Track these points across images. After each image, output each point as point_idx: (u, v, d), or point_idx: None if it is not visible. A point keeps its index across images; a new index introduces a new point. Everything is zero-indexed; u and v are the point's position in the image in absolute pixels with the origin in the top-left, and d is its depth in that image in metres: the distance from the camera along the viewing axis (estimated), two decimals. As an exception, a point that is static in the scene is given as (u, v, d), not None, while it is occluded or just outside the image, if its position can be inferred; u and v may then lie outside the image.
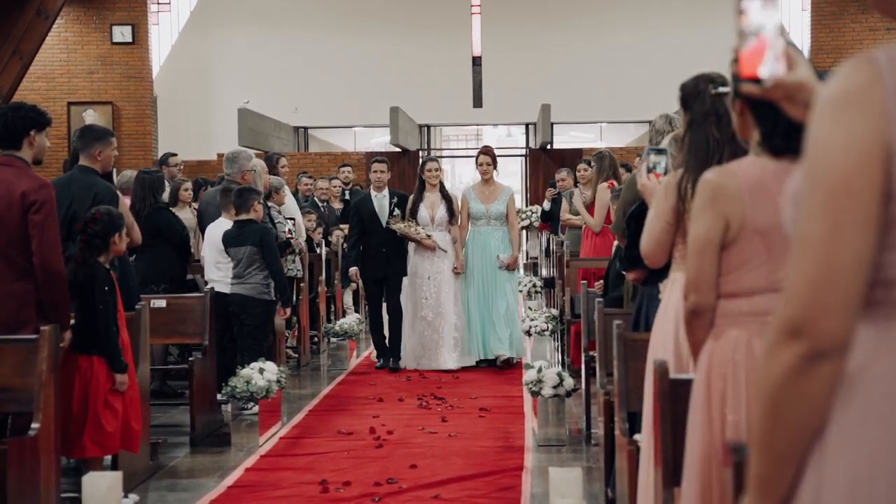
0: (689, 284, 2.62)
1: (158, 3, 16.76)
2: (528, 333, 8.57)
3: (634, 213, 3.91)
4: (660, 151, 3.49)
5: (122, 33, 16.15)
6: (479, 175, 9.02)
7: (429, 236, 8.55)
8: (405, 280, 8.75)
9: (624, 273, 4.39)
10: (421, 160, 9.23)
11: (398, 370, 8.58)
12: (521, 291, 10.33)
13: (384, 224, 8.63)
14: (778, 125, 2.41)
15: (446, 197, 8.81)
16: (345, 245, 9.98)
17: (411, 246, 8.78)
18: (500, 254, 8.76)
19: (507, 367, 8.54)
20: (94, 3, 16.03)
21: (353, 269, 9.17)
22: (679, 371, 3.21)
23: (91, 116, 15.81)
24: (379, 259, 8.70)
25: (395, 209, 8.64)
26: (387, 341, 8.81)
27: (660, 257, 3.30)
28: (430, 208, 8.70)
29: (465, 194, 9.05)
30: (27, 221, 4.53)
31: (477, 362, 8.67)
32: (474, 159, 9.25)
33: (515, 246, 9.09)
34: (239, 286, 6.83)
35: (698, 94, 3.21)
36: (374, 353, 9.05)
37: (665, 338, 3.36)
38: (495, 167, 9.02)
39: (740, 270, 2.57)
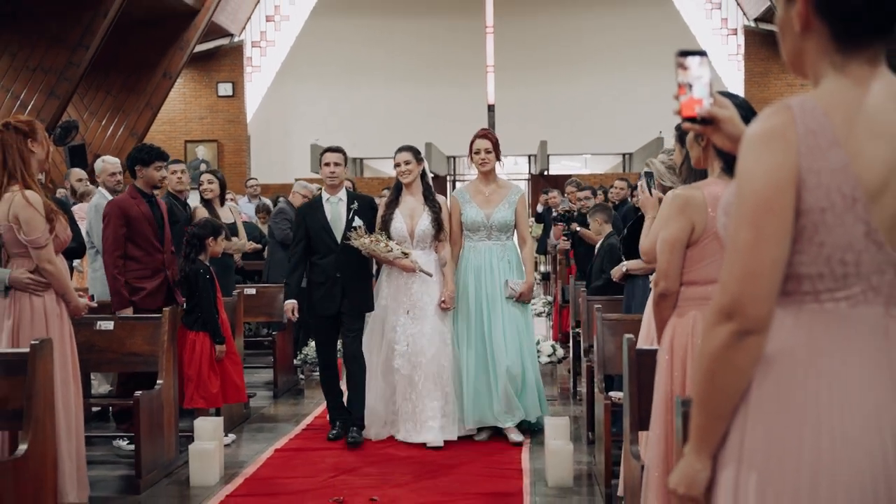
0: (659, 273, 2.58)
1: (252, 66, 16.95)
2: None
3: (634, 222, 3.91)
4: (649, 174, 3.45)
5: (225, 89, 16.48)
6: (477, 168, 4.95)
7: (406, 254, 4.70)
8: (369, 317, 4.88)
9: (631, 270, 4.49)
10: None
11: (359, 444, 4.68)
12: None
13: (339, 239, 4.78)
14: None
15: (432, 203, 4.88)
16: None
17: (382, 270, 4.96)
18: (508, 279, 4.82)
19: (523, 438, 4.75)
20: (205, 66, 16.31)
21: (290, 303, 4.84)
22: (648, 343, 3.20)
23: (202, 151, 16.14)
24: (331, 288, 4.77)
25: (356, 218, 4.80)
26: (345, 401, 4.90)
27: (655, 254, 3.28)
28: (409, 218, 4.87)
29: (455, 197, 4.98)
30: None
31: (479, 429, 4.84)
32: (468, 147, 5.00)
33: (530, 268, 4.89)
34: None
35: None
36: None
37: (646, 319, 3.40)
38: (498, 158, 4.94)
39: (701, 264, 2.55)
